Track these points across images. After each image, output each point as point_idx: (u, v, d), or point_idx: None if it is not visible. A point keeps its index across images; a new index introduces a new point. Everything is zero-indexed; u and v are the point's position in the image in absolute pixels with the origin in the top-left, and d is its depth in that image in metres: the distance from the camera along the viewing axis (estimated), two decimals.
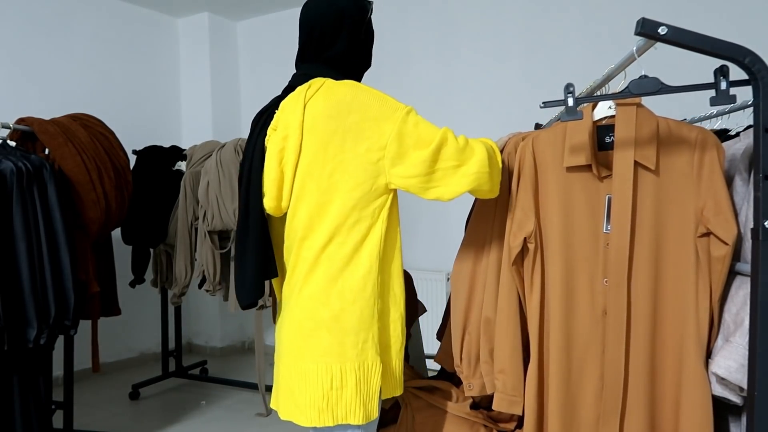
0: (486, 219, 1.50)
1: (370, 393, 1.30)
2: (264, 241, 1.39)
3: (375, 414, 1.31)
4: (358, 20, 1.40)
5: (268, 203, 1.38)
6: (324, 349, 1.30)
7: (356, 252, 1.30)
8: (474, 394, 1.47)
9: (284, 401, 1.37)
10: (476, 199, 1.55)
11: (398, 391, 1.40)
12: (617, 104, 1.33)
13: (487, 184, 1.31)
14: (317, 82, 1.36)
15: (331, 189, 1.30)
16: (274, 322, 3.19)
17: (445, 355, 1.60)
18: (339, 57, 1.40)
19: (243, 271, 1.40)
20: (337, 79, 1.36)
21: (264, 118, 1.45)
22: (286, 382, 1.36)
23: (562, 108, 1.21)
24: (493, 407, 1.42)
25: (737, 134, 1.65)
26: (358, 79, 1.46)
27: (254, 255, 1.39)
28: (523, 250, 1.39)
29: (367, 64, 1.49)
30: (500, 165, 1.37)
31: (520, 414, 1.41)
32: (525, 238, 1.37)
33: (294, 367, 1.34)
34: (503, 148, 1.51)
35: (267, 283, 1.82)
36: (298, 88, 1.37)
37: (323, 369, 1.30)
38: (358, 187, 1.29)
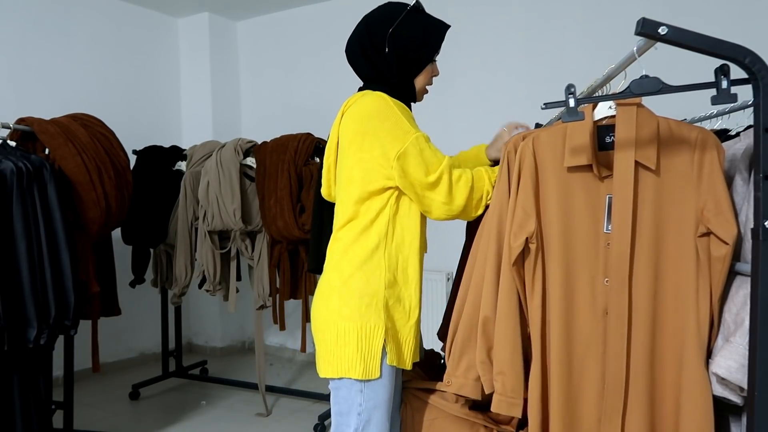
0: (483, 218, 1.51)
1: (372, 352, 1.46)
2: (320, 222, 1.84)
3: (376, 373, 1.47)
4: (369, 50, 1.56)
5: (322, 191, 1.75)
6: (333, 309, 1.50)
7: (366, 230, 1.51)
8: (452, 391, 1.50)
9: (316, 357, 1.57)
10: None
11: (403, 364, 1.53)
12: (617, 104, 1.33)
13: (459, 218, 1.53)
14: (359, 94, 1.58)
15: (351, 180, 1.52)
16: (275, 322, 3.22)
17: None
18: (372, 78, 1.59)
19: (310, 244, 2.02)
20: (376, 90, 1.55)
21: None
22: (315, 340, 1.57)
23: (563, 108, 1.21)
24: (492, 409, 1.41)
25: (737, 134, 1.65)
26: (404, 89, 1.59)
27: (313, 232, 1.88)
28: (524, 251, 1.39)
29: (403, 77, 1.58)
30: (480, 209, 1.52)
31: (519, 416, 1.40)
32: (527, 239, 1.37)
33: (315, 326, 1.57)
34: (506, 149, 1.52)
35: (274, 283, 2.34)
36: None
37: (331, 327, 1.49)
38: (371, 183, 1.49)
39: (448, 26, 1.62)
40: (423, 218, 1.56)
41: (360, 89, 1.62)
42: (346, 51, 1.63)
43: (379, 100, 1.51)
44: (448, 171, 1.46)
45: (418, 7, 1.58)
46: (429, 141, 1.50)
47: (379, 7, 1.61)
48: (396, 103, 1.52)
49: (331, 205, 1.70)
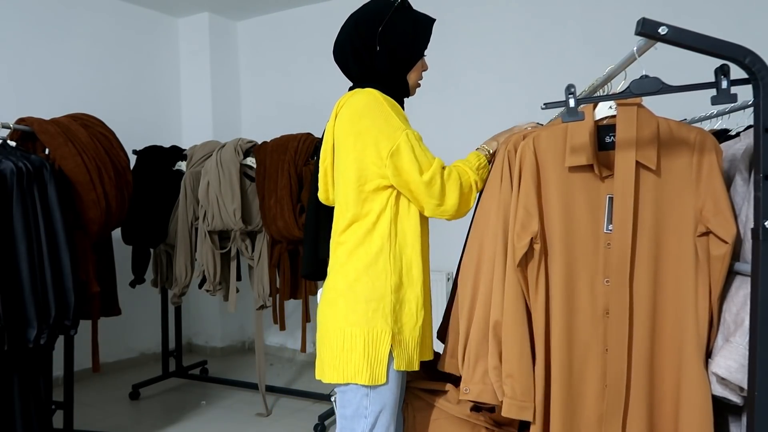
0: (488, 218, 1.49)
1: (378, 358, 1.46)
2: (315, 227, 1.79)
3: (382, 379, 1.46)
4: (360, 49, 1.55)
5: (320, 195, 1.72)
6: (340, 314, 1.49)
7: (369, 233, 1.49)
8: (470, 399, 1.46)
9: (317, 362, 1.57)
10: (477, 201, 1.56)
11: (411, 367, 1.52)
12: (618, 104, 1.33)
13: (452, 218, 1.52)
14: (349, 93, 1.57)
15: (348, 182, 1.50)
16: (275, 322, 3.22)
17: (452, 359, 1.57)
18: (363, 77, 1.57)
19: (304, 249, 1.91)
20: (367, 88, 1.54)
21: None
22: (318, 345, 1.57)
23: (563, 108, 1.21)
24: (503, 413, 1.38)
25: (737, 134, 1.65)
26: (397, 85, 1.59)
27: (307, 237, 1.84)
28: (528, 252, 1.38)
29: (396, 73, 1.58)
30: (472, 202, 1.53)
31: (531, 420, 1.37)
32: (531, 239, 1.36)
33: (320, 330, 1.55)
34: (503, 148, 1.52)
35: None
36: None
37: (338, 332, 1.48)
38: (367, 183, 1.48)
39: (434, 20, 1.62)
40: (423, 217, 1.55)
41: (351, 89, 1.60)
42: (335, 52, 1.62)
43: (369, 97, 1.50)
44: (440, 171, 1.46)
45: (404, 3, 1.57)
46: (420, 140, 1.49)
47: (365, 5, 1.60)
48: (386, 99, 1.50)
49: (327, 209, 1.68)
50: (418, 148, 1.45)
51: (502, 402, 1.40)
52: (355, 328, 1.46)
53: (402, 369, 1.49)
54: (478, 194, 1.55)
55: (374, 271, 1.48)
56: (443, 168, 1.47)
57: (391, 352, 1.47)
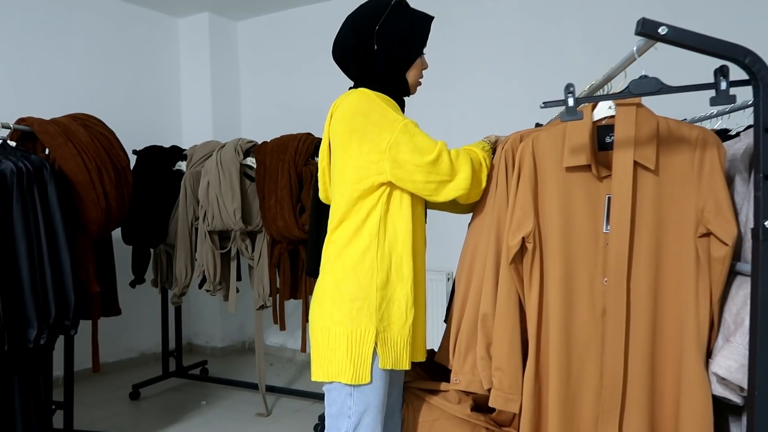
0: (483, 216, 1.51)
1: (362, 357, 1.45)
2: (317, 226, 1.94)
3: (366, 378, 1.46)
4: (358, 49, 1.54)
5: (320, 195, 1.75)
6: (326, 313, 1.50)
7: (359, 231, 1.49)
8: (460, 388, 1.50)
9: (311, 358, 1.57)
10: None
11: (399, 365, 1.50)
12: (617, 104, 1.33)
13: (467, 199, 1.49)
14: (345, 93, 1.57)
15: (343, 181, 1.50)
16: (275, 322, 3.22)
17: (446, 353, 1.60)
18: (360, 77, 1.58)
19: (308, 247, 2.06)
20: (365, 88, 1.55)
21: None
22: (310, 342, 1.57)
23: (562, 108, 1.21)
24: (489, 404, 1.42)
25: (737, 134, 1.65)
26: (396, 84, 1.58)
27: (311, 236, 1.97)
28: (522, 250, 1.39)
29: (395, 72, 1.57)
30: (484, 180, 1.50)
31: (516, 412, 1.41)
32: (523, 238, 1.37)
33: (310, 329, 1.56)
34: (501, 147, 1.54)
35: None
36: None
37: (324, 330, 1.49)
38: (362, 181, 1.46)
39: (432, 18, 1.61)
40: (417, 214, 1.54)
41: (350, 89, 1.61)
42: (334, 53, 1.62)
43: (361, 95, 1.50)
44: (446, 149, 1.44)
45: (401, 2, 1.57)
46: (418, 127, 1.47)
47: (363, 5, 1.59)
48: (379, 96, 1.50)
49: (328, 208, 1.69)
50: (419, 134, 1.44)
51: (488, 391, 1.44)
52: (339, 327, 1.47)
53: (388, 368, 1.48)
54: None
55: (361, 270, 1.47)
56: (448, 150, 1.46)
57: (375, 351, 1.46)
